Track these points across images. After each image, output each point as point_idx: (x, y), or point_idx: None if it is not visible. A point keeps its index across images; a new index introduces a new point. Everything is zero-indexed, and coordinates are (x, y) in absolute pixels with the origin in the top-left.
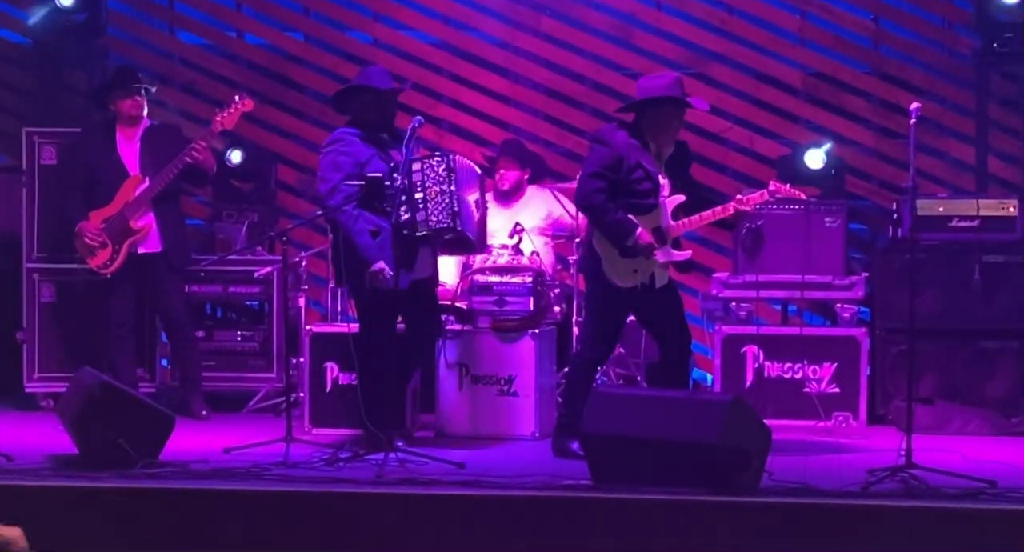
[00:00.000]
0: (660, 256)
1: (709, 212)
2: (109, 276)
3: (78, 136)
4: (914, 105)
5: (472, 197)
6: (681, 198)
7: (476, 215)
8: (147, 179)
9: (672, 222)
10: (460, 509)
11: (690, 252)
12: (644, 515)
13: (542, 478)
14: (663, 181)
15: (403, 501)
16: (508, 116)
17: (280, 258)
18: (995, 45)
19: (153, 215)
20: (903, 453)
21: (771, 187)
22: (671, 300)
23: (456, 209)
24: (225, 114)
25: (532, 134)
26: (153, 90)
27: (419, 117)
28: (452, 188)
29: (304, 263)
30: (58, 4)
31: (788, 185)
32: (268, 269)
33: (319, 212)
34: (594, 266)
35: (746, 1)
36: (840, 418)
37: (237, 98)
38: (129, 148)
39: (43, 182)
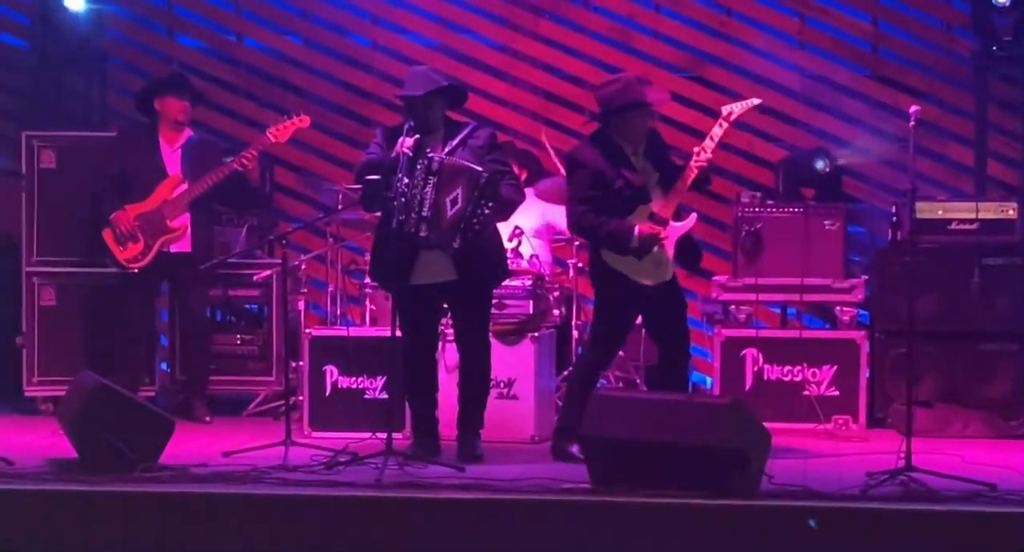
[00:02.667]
0: (668, 233)
1: (686, 174)
2: (137, 271)
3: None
4: (913, 108)
5: (451, 196)
6: (656, 175)
7: (449, 213)
8: (186, 182)
9: (660, 201)
10: (459, 512)
11: (694, 214)
12: (643, 518)
13: (541, 481)
14: (641, 171)
15: (403, 504)
16: (506, 119)
17: (280, 261)
18: (994, 48)
19: (189, 216)
20: (902, 456)
21: (724, 113)
22: (675, 300)
23: (426, 214)
24: (279, 127)
25: (531, 137)
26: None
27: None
28: (427, 192)
29: (303, 266)
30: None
31: (742, 101)
32: (267, 272)
33: (319, 215)
34: (607, 272)
35: (745, 4)
36: (839, 421)
37: (293, 113)
38: (170, 153)
39: (42, 186)
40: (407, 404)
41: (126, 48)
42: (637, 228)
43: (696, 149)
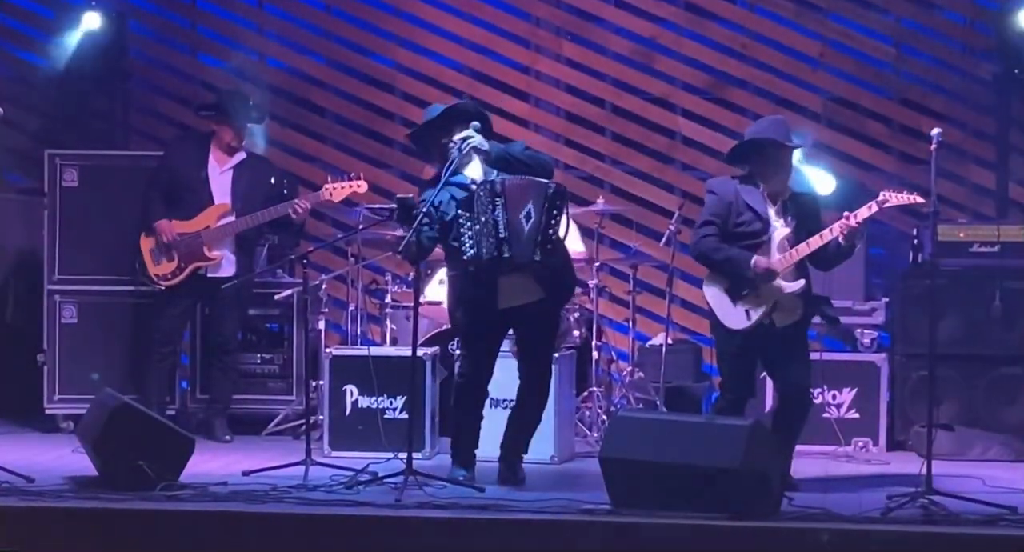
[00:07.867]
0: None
1: (816, 237)
2: (164, 289)
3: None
4: (935, 130)
5: (523, 212)
6: (786, 231)
7: (526, 228)
8: (235, 212)
9: (780, 255)
10: (480, 533)
11: (803, 282)
12: (663, 540)
13: (561, 502)
14: (774, 220)
15: (422, 525)
16: (528, 140)
17: (301, 281)
18: (1016, 71)
19: (234, 244)
20: (923, 479)
21: (880, 198)
22: (792, 343)
23: (503, 235)
24: (336, 187)
25: (553, 158)
26: (263, 123)
27: (456, 137)
28: (497, 214)
29: (324, 286)
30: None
31: (903, 193)
32: (288, 292)
33: (340, 235)
34: (712, 317)
35: (767, 26)
36: (860, 443)
37: (353, 176)
38: (219, 175)
39: (64, 204)
40: (456, 427)
41: (149, 67)
42: (754, 258)
43: (846, 214)
